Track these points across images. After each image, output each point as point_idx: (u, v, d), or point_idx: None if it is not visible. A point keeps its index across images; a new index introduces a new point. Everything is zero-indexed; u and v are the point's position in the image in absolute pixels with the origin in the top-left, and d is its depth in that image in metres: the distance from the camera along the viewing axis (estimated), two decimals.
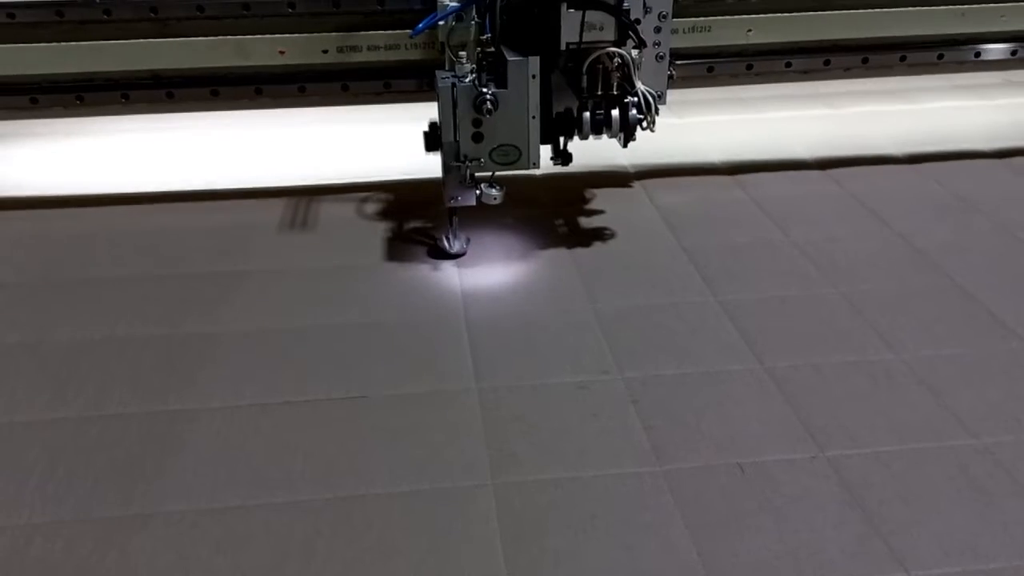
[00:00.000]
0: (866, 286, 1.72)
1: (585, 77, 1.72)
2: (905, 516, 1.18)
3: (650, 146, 2.22)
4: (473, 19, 1.77)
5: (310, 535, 1.16)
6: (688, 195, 2.14)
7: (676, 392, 1.43)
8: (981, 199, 2.08)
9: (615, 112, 1.76)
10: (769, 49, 2.11)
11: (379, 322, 1.63)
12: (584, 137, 1.78)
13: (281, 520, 1.18)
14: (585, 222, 2.01)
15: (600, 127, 1.77)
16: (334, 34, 1.98)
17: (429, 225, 1.98)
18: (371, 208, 2.08)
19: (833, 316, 1.63)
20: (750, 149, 2.39)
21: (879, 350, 1.53)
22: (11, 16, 1.91)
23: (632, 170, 2.29)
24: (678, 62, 2.06)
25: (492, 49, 1.73)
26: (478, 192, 1.78)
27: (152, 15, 1.95)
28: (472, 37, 1.79)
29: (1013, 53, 2.21)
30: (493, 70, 1.72)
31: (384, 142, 2.42)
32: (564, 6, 1.67)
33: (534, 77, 1.70)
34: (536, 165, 1.79)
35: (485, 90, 1.68)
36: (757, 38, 2.08)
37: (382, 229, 1.98)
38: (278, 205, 2.09)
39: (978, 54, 2.19)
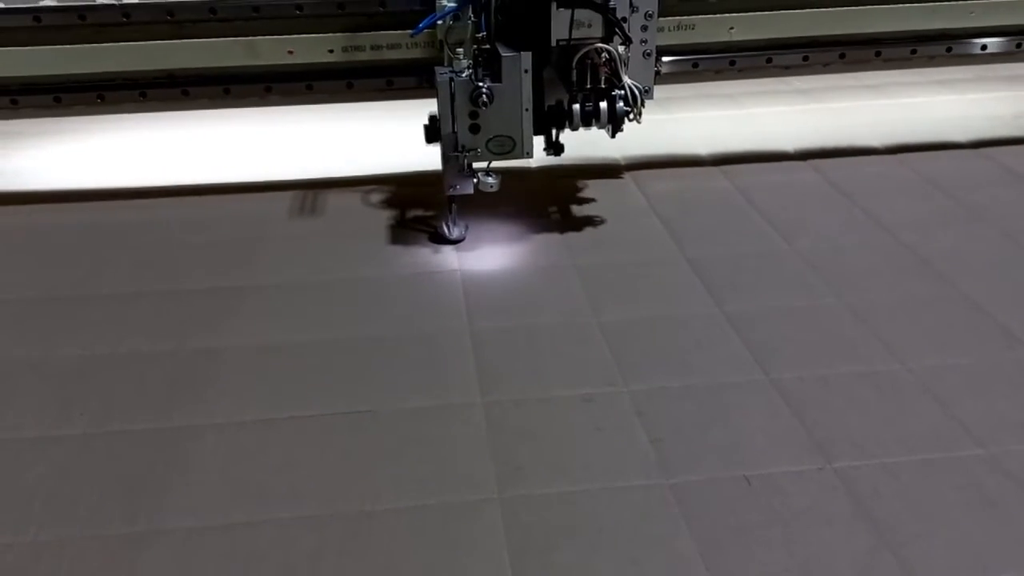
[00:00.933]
0: (841, 268, 1.83)
1: (575, 72, 1.83)
2: (914, 528, 1.17)
3: (639, 140, 2.36)
4: (470, 18, 1.87)
5: (316, 551, 1.16)
6: (675, 184, 2.25)
7: (681, 404, 1.43)
8: (953, 185, 2.19)
9: (603, 104, 1.87)
10: (751, 46, 2.23)
11: (383, 328, 1.65)
12: (574, 128, 1.90)
13: (287, 536, 1.18)
14: (577, 209, 2.13)
15: (589, 119, 1.88)
16: (339, 34, 2.09)
17: (430, 214, 2.09)
18: (375, 199, 2.19)
19: (810, 289, 1.75)
20: (734, 141, 2.50)
21: (876, 352, 1.55)
22: (37, 20, 2.04)
23: (623, 162, 2.40)
24: (665, 58, 2.19)
25: (487, 46, 1.85)
26: (475, 180, 1.89)
27: (168, 18, 2.07)
28: (468, 35, 1.89)
29: (983, 48, 2.32)
30: (488, 65, 1.83)
31: (387, 137, 2.53)
32: (554, 5, 1.79)
33: (527, 71, 1.82)
34: (530, 154, 1.90)
35: (481, 84, 1.79)
36: (739, 35, 2.20)
37: (385, 218, 2.09)
38: (286, 198, 2.21)
39: (949, 49, 2.31)
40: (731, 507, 1.22)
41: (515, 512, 1.22)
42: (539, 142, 1.96)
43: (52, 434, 1.39)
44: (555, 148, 1.99)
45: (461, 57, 1.82)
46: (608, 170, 2.35)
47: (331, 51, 2.11)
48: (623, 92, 1.87)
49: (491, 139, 1.87)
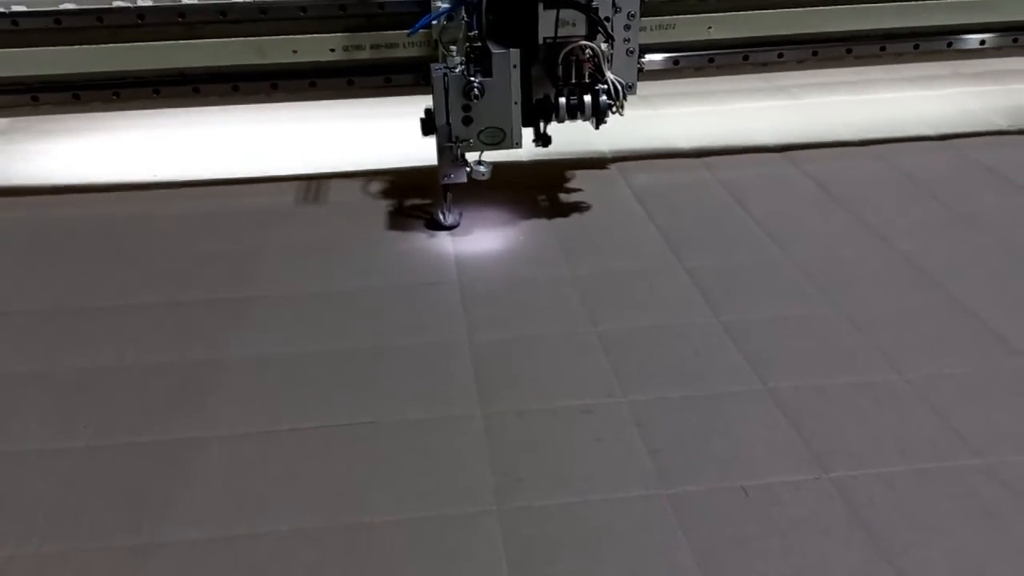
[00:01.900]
0: (812, 248, 1.96)
1: (560, 67, 1.97)
2: (911, 538, 1.18)
3: (624, 135, 2.49)
4: (462, 18, 2.01)
5: (317, 564, 1.18)
6: (658, 176, 2.39)
7: (682, 415, 1.45)
8: (923, 176, 2.31)
9: (587, 98, 2.00)
10: (728, 44, 2.37)
11: (383, 331, 1.70)
12: (560, 120, 2.03)
13: (288, 548, 1.20)
14: (565, 197, 2.26)
15: (575, 111, 2.01)
16: (340, 35, 2.23)
17: (427, 202, 2.22)
18: (375, 189, 2.32)
19: (785, 278, 1.87)
20: (716, 135, 2.63)
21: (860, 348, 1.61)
22: (57, 22, 2.17)
23: (610, 155, 2.53)
24: (647, 56, 2.32)
25: (479, 44, 1.98)
26: (468, 169, 2.03)
27: (180, 19, 2.20)
28: (461, 34, 2.02)
29: (949, 45, 2.46)
30: (480, 62, 1.96)
31: (385, 132, 2.65)
32: (541, 5, 1.93)
33: (515, 67, 1.95)
34: (519, 145, 2.04)
35: (473, 79, 1.93)
36: (717, 34, 2.34)
37: (384, 206, 2.22)
38: (291, 190, 2.34)
39: (917, 46, 2.44)
40: (729, 517, 1.23)
41: (515, 524, 1.23)
42: (529, 135, 2.10)
43: (56, 447, 1.41)
44: (543, 140, 2.12)
45: (454, 54, 1.95)
46: (594, 162, 2.48)
47: (332, 50, 2.24)
48: (606, 87, 2.00)
49: (483, 130, 2.00)
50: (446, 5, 2.01)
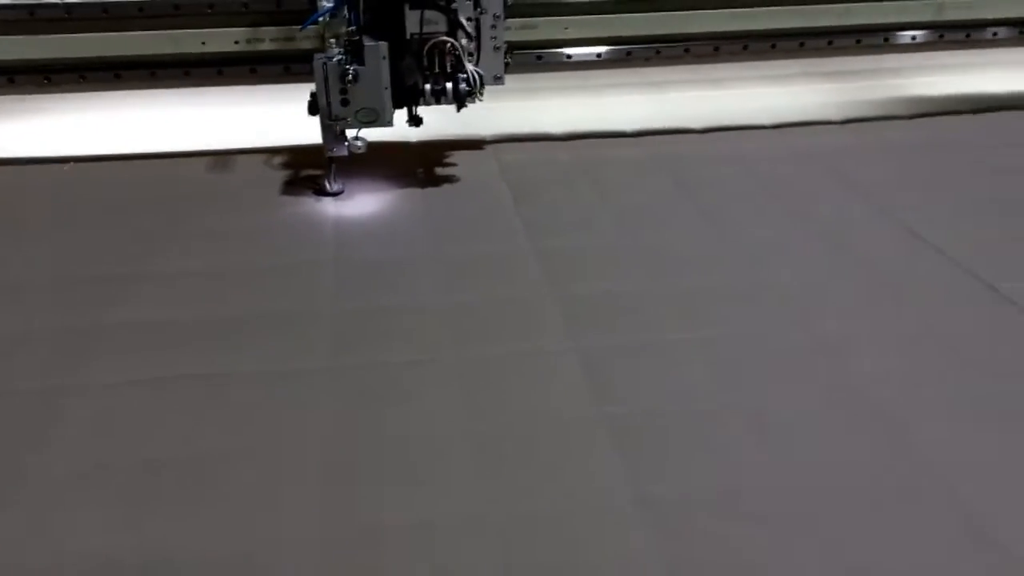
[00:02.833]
0: (667, 235, 2.34)
1: (425, 59, 2.34)
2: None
3: (505, 121, 2.85)
4: (344, 15, 2.36)
5: None
6: (526, 155, 2.76)
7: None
8: (755, 159, 2.71)
9: (448, 85, 2.38)
10: (585, 42, 2.75)
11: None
12: (427, 104, 2.40)
13: None
14: (440, 171, 2.62)
15: (439, 96, 2.39)
16: (244, 29, 2.58)
17: (318, 173, 2.56)
18: (275, 163, 2.66)
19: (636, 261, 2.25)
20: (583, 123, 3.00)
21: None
22: (68, 12, 2.52)
23: (489, 139, 2.89)
24: (516, 52, 2.69)
25: (356, 38, 2.34)
26: (347, 144, 2.39)
27: (104, 14, 2.54)
28: (344, 29, 2.37)
29: (801, 45, 2.86)
30: (356, 52, 2.32)
31: (285, 115, 2.86)
32: (407, 5, 2.30)
33: (384, 58, 2.31)
34: (391, 123, 2.39)
35: (348, 67, 2.28)
36: (572, 34, 2.72)
37: (281, 177, 2.57)
38: (201, 163, 2.68)
39: (774, 45, 2.84)
40: None
41: None
42: (403, 116, 2.46)
43: None
44: (415, 120, 2.49)
45: (333, 46, 2.30)
46: (472, 143, 2.84)
47: (237, 42, 2.60)
48: (466, 75, 2.37)
49: (359, 110, 2.35)
50: (330, 4, 2.36)
